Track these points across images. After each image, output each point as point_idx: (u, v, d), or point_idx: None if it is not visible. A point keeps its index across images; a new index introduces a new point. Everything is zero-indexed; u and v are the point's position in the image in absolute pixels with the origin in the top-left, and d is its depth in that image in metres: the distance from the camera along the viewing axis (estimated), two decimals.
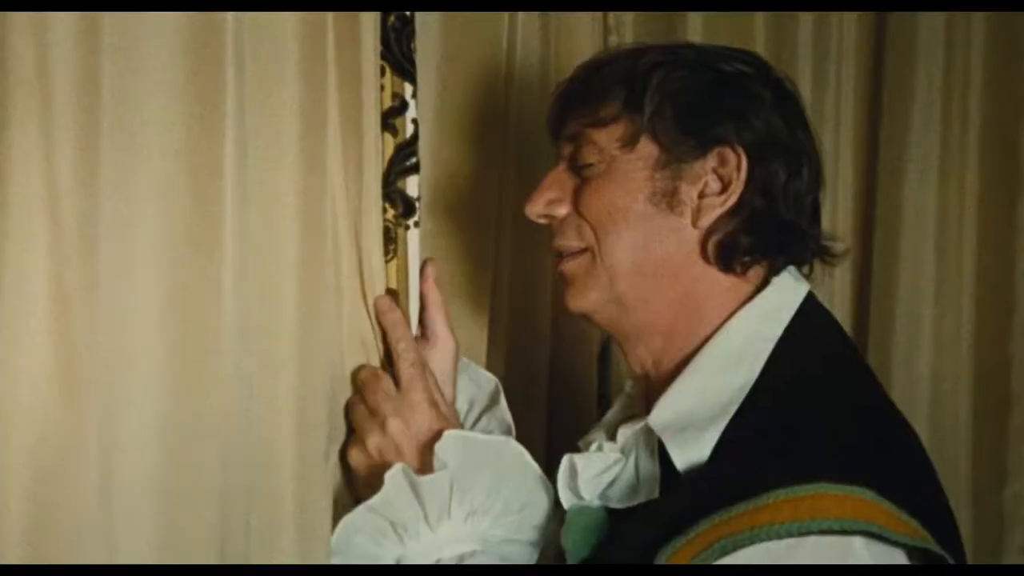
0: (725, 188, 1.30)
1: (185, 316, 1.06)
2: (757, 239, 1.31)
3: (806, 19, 2.14)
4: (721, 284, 1.32)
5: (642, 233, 1.31)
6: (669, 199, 1.31)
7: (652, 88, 1.31)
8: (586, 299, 1.34)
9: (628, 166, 1.31)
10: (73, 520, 0.98)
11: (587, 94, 1.35)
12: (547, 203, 1.37)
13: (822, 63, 2.16)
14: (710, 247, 1.31)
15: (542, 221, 1.38)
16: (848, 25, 2.19)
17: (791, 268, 1.35)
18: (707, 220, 1.31)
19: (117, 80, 1.01)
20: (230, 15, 1.07)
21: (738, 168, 1.30)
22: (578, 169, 1.35)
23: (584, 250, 1.34)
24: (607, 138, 1.32)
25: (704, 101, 1.31)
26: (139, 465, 1.03)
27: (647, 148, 1.31)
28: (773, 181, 1.32)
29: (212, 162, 1.07)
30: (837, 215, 2.19)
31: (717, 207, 1.30)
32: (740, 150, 1.30)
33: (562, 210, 1.36)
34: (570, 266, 1.35)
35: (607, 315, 1.35)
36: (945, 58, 2.18)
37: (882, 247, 2.21)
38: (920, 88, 2.17)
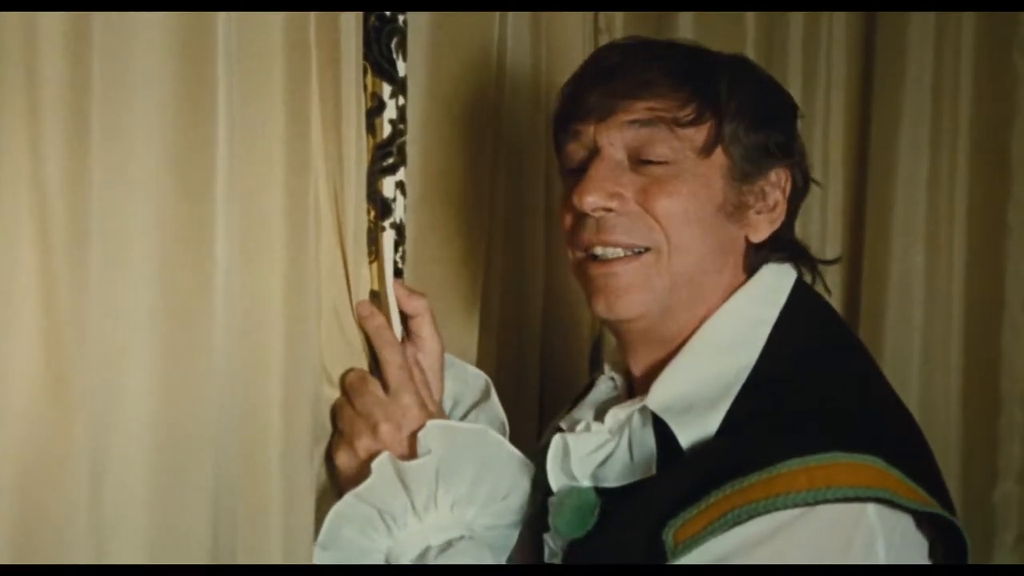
0: (773, 207, 1.35)
1: (174, 315, 1.05)
2: (786, 254, 1.37)
3: (796, 19, 2.15)
4: (730, 280, 1.35)
5: (714, 241, 1.32)
6: (735, 210, 1.32)
7: (727, 96, 1.31)
8: (638, 304, 1.31)
9: (702, 171, 1.31)
10: (63, 519, 0.98)
11: (652, 83, 1.31)
12: (608, 196, 1.30)
13: (812, 63, 2.17)
14: (752, 261, 1.35)
15: (596, 214, 1.31)
16: (838, 25, 2.20)
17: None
18: (761, 235, 1.35)
19: (107, 80, 1.01)
20: (220, 15, 1.07)
21: (784, 189, 1.35)
22: (640, 164, 1.31)
23: (647, 250, 1.31)
24: (685, 138, 1.30)
25: (769, 121, 1.34)
26: (128, 464, 1.03)
27: (719, 157, 1.32)
28: (798, 200, 1.38)
29: (202, 162, 1.07)
30: (827, 214, 2.20)
31: (769, 224, 1.35)
32: (788, 172, 1.35)
33: (622, 205, 1.31)
34: (628, 268, 1.31)
35: (645, 324, 1.33)
36: (935, 58, 2.18)
37: (872, 246, 2.22)
38: (910, 88, 2.18)
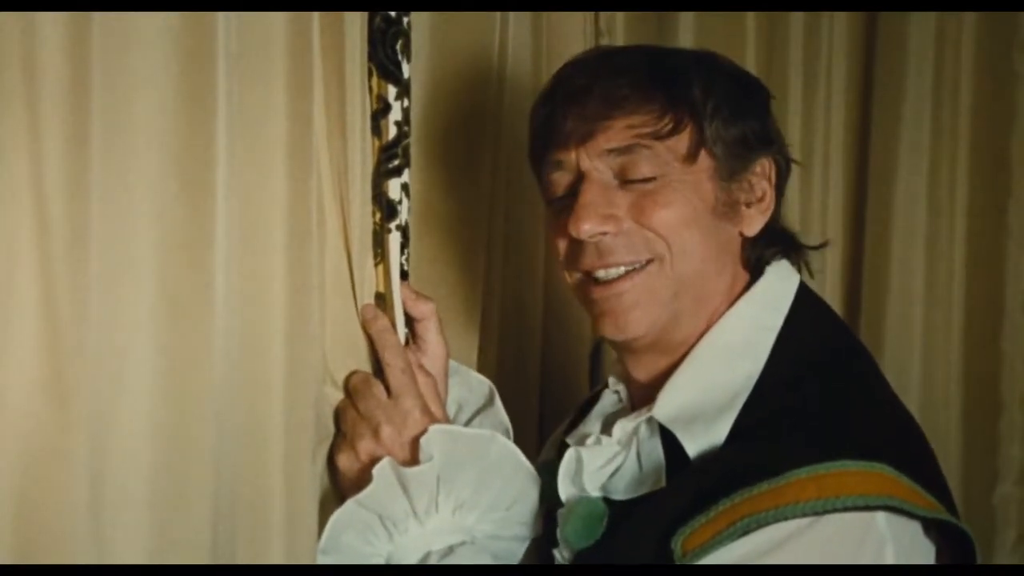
0: (762, 197, 1.35)
1: (175, 318, 1.05)
2: (779, 246, 1.37)
3: (797, 19, 2.15)
4: (731, 280, 1.35)
5: (712, 243, 1.32)
6: (727, 209, 1.32)
7: (702, 98, 1.30)
8: (646, 319, 1.31)
9: (690, 178, 1.30)
10: (63, 521, 0.97)
11: (625, 99, 1.30)
12: (603, 219, 1.29)
13: (813, 63, 2.17)
14: (749, 255, 1.35)
15: (594, 239, 1.30)
16: (839, 25, 2.20)
17: (783, 260, 1.38)
18: (755, 228, 1.35)
19: (107, 81, 1.00)
20: (220, 16, 1.07)
21: (770, 178, 1.35)
22: (628, 183, 1.30)
23: (649, 261, 1.30)
24: (666, 150, 1.29)
25: (746, 112, 1.34)
26: (129, 467, 1.03)
27: (704, 160, 1.31)
28: (783, 189, 1.38)
29: (202, 164, 1.06)
30: (827, 215, 2.20)
31: (761, 215, 1.35)
32: (771, 160, 1.35)
33: (618, 225, 1.30)
34: (631, 283, 1.30)
35: (653, 336, 1.32)
36: (935, 58, 2.19)
37: (873, 248, 2.22)
38: (911, 88, 2.18)
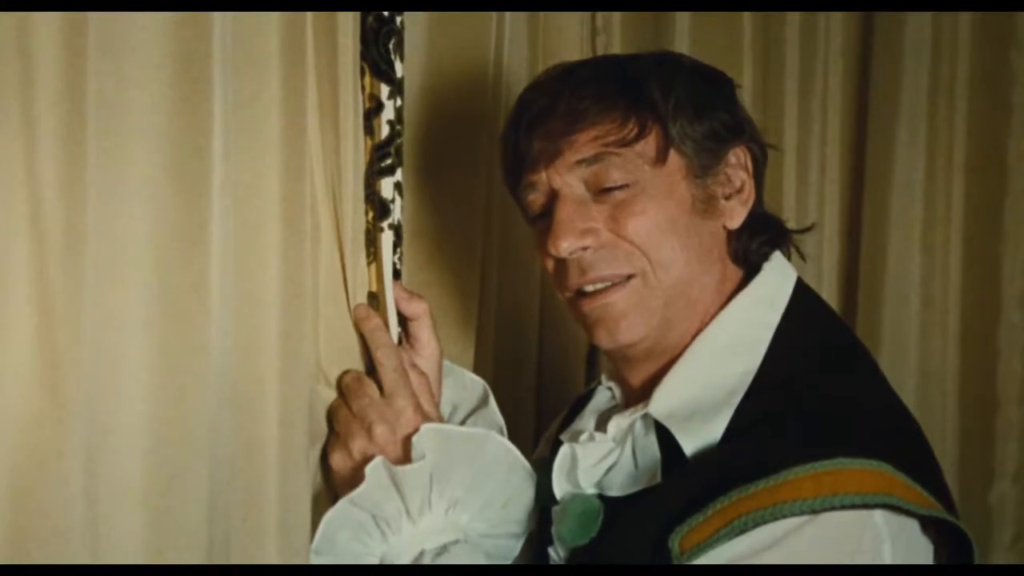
0: (740, 188, 1.34)
1: (170, 319, 1.05)
2: (767, 234, 1.36)
3: (793, 19, 2.15)
4: (721, 275, 1.34)
5: (694, 244, 1.31)
6: (706, 206, 1.32)
7: (662, 98, 1.30)
8: (639, 327, 1.31)
9: (662, 180, 1.30)
10: (58, 521, 0.98)
11: (586, 112, 1.30)
12: (580, 235, 1.30)
13: (809, 63, 2.18)
14: (736, 247, 1.35)
15: (575, 256, 1.30)
16: (835, 25, 2.20)
17: (777, 253, 1.38)
18: (737, 220, 1.34)
19: (103, 82, 1.00)
20: (215, 16, 1.07)
21: (746, 166, 1.35)
22: (601, 193, 1.30)
23: (631, 276, 1.30)
24: (635, 156, 1.29)
25: (711, 106, 1.33)
26: (124, 466, 1.03)
27: (675, 160, 1.31)
28: (762, 175, 1.37)
29: (197, 163, 1.06)
30: (824, 215, 2.20)
31: (742, 206, 1.34)
32: (745, 148, 1.34)
33: (596, 238, 1.30)
34: (620, 294, 1.30)
35: (647, 343, 1.32)
36: (932, 58, 2.19)
37: (869, 247, 2.22)
38: (907, 88, 2.18)
